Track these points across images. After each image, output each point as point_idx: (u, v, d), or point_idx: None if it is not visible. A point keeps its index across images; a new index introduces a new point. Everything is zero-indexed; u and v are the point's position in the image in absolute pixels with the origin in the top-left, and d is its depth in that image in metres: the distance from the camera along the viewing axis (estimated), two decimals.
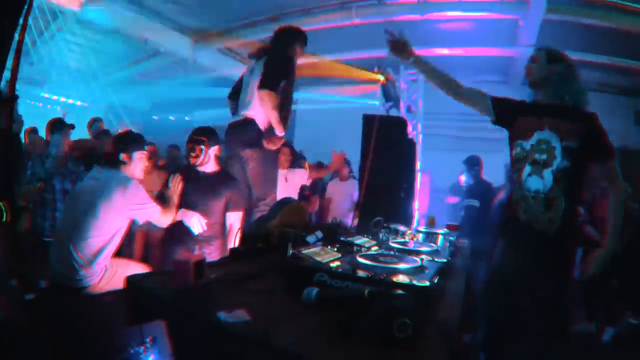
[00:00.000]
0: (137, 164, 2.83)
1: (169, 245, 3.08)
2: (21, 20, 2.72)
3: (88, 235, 2.54)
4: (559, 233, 2.13)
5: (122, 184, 2.65)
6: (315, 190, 6.28)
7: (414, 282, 1.32)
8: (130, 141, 2.84)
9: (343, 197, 6.08)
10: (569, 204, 2.14)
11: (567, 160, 2.14)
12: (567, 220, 2.14)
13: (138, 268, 2.79)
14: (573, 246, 2.27)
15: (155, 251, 3.73)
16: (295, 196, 4.66)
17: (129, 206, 2.66)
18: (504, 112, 2.38)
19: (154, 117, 13.07)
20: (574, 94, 2.27)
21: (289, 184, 4.68)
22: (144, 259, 3.56)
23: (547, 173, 2.17)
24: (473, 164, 5.38)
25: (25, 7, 2.69)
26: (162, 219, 2.85)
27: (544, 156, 2.17)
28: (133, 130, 3.03)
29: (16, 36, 2.74)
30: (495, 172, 5.82)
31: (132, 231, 4.03)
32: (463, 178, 5.72)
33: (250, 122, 3.36)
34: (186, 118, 12.72)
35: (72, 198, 2.88)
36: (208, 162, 3.08)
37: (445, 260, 1.75)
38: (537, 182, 2.18)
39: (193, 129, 3.18)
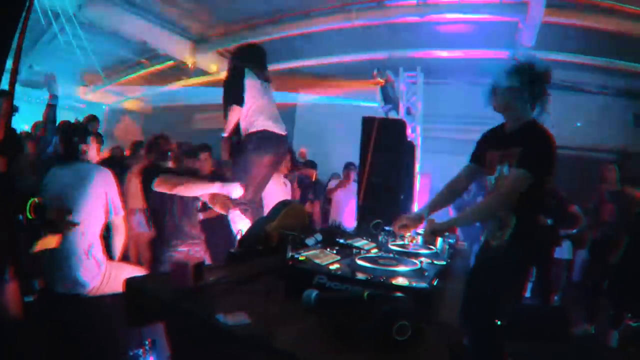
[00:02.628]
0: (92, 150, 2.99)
1: (157, 247, 3.10)
2: (21, 22, 2.72)
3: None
4: (508, 246, 2.23)
5: (101, 173, 2.78)
6: (317, 195, 6.33)
7: (413, 284, 1.32)
8: (84, 133, 2.94)
9: (347, 200, 6.17)
10: (520, 220, 2.22)
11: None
12: (517, 235, 2.22)
13: (135, 271, 2.80)
14: (524, 257, 2.30)
15: (145, 253, 3.74)
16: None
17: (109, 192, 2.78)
18: (478, 157, 2.49)
19: (154, 118, 13.07)
20: (524, 109, 2.28)
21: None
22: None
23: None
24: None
25: (26, 8, 2.70)
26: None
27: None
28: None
29: (16, 38, 2.74)
30: None
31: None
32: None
33: None
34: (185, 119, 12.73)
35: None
36: None
37: (444, 263, 1.75)
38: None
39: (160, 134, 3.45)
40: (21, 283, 2.56)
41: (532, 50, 7.20)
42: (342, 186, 6.26)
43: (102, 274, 2.61)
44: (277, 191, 4.31)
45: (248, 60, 3.42)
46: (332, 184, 6.56)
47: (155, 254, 3.12)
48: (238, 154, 3.32)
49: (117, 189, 2.84)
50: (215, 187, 3.04)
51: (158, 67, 10.06)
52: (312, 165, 6.58)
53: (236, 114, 3.26)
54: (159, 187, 2.94)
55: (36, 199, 2.25)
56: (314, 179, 6.42)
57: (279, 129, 3.36)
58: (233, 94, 3.28)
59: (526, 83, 2.24)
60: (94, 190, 2.68)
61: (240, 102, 3.25)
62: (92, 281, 2.56)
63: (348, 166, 6.37)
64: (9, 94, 2.52)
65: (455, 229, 2.72)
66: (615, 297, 4.30)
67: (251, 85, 3.31)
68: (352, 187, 6.12)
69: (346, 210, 6.13)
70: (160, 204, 3.06)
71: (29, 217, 2.22)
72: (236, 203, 3.22)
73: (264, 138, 3.28)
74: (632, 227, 4.23)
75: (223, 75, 3.49)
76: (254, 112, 3.29)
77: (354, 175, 6.21)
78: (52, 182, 2.69)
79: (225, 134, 3.30)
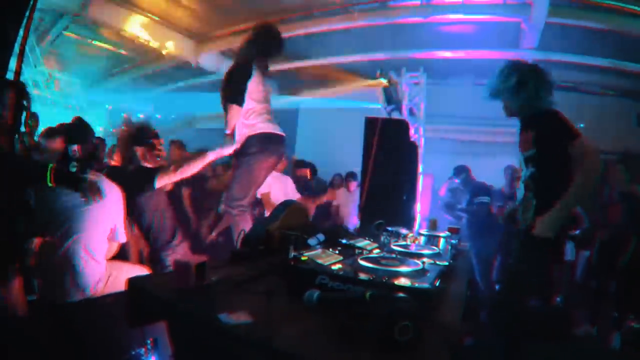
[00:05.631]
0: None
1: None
2: (24, 23, 2.73)
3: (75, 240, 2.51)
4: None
5: (112, 193, 2.66)
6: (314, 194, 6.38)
7: (416, 285, 1.32)
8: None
9: (350, 204, 6.27)
10: (541, 203, 2.40)
11: (532, 167, 2.49)
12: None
13: (137, 270, 2.78)
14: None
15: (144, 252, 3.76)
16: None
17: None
18: None
19: (156, 118, 13.12)
20: (527, 101, 2.51)
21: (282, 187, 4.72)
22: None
23: (521, 184, 2.59)
24: (461, 170, 5.75)
25: (29, 9, 2.71)
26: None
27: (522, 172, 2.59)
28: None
29: (19, 38, 2.75)
30: (495, 174, 5.87)
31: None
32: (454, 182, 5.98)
33: None
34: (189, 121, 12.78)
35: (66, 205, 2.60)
36: None
37: (446, 263, 1.75)
38: (520, 193, 2.61)
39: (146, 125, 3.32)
40: (24, 282, 2.57)
41: (535, 51, 7.23)
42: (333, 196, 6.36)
43: (104, 278, 2.59)
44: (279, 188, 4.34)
45: (261, 47, 3.42)
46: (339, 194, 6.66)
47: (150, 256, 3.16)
48: (239, 156, 3.32)
49: (123, 212, 2.76)
50: (211, 156, 3.13)
51: (161, 67, 10.06)
52: (306, 164, 6.62)
53: (236, 112, 3.25)
54: (160, 183, 2.99)
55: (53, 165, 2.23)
56: (309, 178, 6.46)
57: (278, 130, 3.39)
58: (234, 93, 3.26)
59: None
60: (103, 211, 2.60)
61: (240, 102, 3.24)
62: (94, 286, 2.54)
63: (348, 177, 6.54)
64: (15, 85, 2.52)
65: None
66: (621, 298, 4.29)
67: (255, 86, 3.31)
68: (355, 192, 6.19)
69: (349, 214, 6.23)
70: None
71: (49, 184, 2.21)
72: (236, 205, 3.23)
73: (266, 140, 3.29)
74: None
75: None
76: (255, 115, 3.30)
77: (354, 185, 6.31)
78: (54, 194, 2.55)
79: (227, 131, 3.28)
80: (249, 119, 3.29)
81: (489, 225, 5.19)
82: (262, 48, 3.40)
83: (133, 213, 3.01)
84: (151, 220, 3.06)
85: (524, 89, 2.48)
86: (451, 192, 6.22)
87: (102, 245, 2.63)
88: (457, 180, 5.80)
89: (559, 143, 2.31)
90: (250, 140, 3.27)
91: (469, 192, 5.51)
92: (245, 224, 3.14)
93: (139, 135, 3.23)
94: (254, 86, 3.31)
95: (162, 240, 3.10)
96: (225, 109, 3.29)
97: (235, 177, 3.33)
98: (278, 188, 4.53)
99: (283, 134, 3.43)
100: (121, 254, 3.23)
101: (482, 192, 5.39)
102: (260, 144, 3.26)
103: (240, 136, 3.29)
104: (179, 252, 3.09)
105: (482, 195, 5.32)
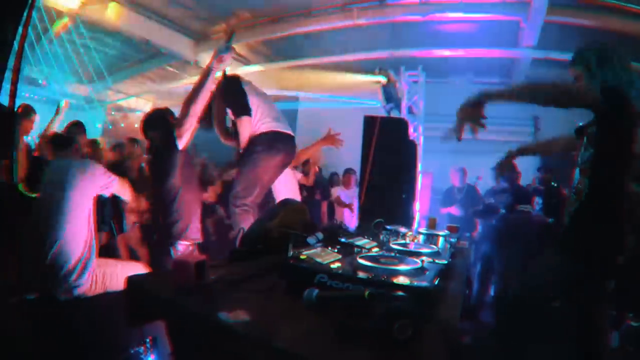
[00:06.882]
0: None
1: (151, 245, 3.09)
2: (23, 21, 2.73)
3: (62, 236, 2.49)
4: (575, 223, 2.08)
5: (83, 167, 2.66)
6: (324, 195, 6.34)
7: (415, 283, 1.32)
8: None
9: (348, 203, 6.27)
10: (594, 194, 2.03)
11: (590, 148, 2.06)
12: (589, 209, 2.04)
13: (129, 266, 2.76)
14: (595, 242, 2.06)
15: (139, 251, 3.75)
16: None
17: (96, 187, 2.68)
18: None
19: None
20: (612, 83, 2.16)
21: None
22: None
23: (577, 171, 2.14)
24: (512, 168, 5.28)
25: (27, 8, 2.70)
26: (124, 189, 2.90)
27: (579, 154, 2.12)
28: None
29: (18, 36, 2.74)
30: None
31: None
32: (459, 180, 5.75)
33: None
34: None
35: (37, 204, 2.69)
36: None
37: (446, 262, 1.75)
38: (574, 182, 2.15)
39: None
40: (21, 282, 2.57)
41: (534, 50, 7.23)
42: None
43: (94, 275, 2.57)
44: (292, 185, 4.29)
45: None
46: (337, 191, 6.62)
47: (152, 253, 3.10)
48: (245, 154, 3.23)
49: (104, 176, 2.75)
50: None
51: (160, 65, 10.07)
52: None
53: (248, 124, 3.16)
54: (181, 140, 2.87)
55: None
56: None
57: (286, 129, 3.32)
58: (238, 104, 3.18)
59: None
60: (75, 188, 2.57)
61: (248, 112, 3.16)
62: (84, 285, 2.52)
63: (348, 171, 6.47)
64: (12, 92, 2.52)
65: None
66: (619, 297, 4.28)
67: (251, 91, 3.28)
68: (354, 189, 6.19)
69: (348, 211, 6.24)
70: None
71: None
72: (240, 204, 3.19)
73: (274, 139, 3.23)
74: (638, 227, 4.20)
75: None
76: (260, 115, 3.23)
77: (354, 179, 6.30)
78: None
79: (241, 150, 3.21)
80: (257, 119, 3.22)
81: (525, 235, 5.03)
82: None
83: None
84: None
85: (609, 63, 2.24)
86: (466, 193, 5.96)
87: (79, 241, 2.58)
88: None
89: (622, 125, 1.97)
90: (256, 139, 3.20)
91: (512, 195, 5.18)
92: (246, 224, 3.09)
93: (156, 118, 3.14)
94: (251, 89, 3.28)
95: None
96: (210, 120, 3.27)
97: (240, 175, 3.27)
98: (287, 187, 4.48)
99: (292, 133, 3.36)
100: (110, 253, 3.23)
101: (525, 199, 5.14)
102: (267, 142, 3.19)
103: (245, 135, 3.21)
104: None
105: (526, 204, 5.07)
